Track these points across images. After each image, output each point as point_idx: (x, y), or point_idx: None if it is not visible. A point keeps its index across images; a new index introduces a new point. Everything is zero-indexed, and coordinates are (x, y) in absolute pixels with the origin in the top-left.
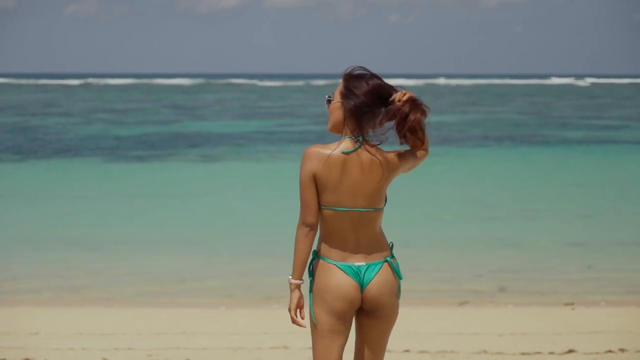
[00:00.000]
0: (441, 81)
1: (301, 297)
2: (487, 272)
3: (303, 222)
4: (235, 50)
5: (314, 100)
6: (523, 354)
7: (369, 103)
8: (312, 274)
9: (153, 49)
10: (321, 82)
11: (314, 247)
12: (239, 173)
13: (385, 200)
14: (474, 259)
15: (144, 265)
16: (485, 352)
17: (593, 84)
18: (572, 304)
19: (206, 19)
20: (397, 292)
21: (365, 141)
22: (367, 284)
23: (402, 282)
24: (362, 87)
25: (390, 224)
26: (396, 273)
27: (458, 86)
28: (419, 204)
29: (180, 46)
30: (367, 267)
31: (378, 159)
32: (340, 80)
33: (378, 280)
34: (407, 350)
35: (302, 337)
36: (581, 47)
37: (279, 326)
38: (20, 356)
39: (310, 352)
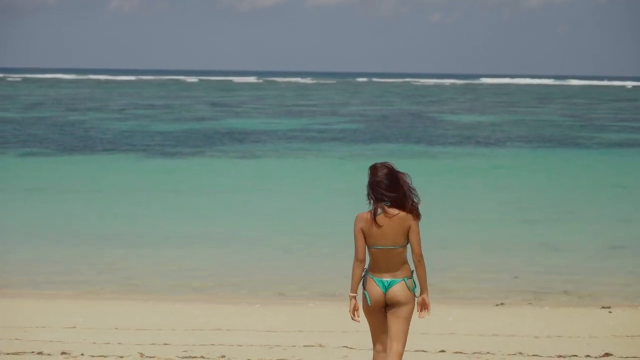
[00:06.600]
0: (482, 81)
1: (356, 303)
2: (524, 274)
3: (356, 258)
4: (276, 48)
5: (353, 99)
6: (559, 356)
7: (383, 186)
8: (364, 282)
9: (193, 46)
10: (363, 79)
11: (366, 266)
12: (280, 170)
13: (408, 242)
14: (512, 261)
15: (180, 261)
16: (521, 354)
17: (635, 87)
18: (608, 307)
19: (247, 17)
20: (410, 298)
21: (385, 207)
22: (388, 290)
23: (439, 282)
24: (380, 173)
25: (430, 226)
26: (410, 288)
27: (499, 86)
28: (458, 205)
29: (221, 43)
30: (390, 282)
31: (395, 217)
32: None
33: (394, 289)
34: (442, 351)
35: (337, 335)
36: (624, 49)
37: (314, 324)
38: (58, 349)
39: (345, 350)
